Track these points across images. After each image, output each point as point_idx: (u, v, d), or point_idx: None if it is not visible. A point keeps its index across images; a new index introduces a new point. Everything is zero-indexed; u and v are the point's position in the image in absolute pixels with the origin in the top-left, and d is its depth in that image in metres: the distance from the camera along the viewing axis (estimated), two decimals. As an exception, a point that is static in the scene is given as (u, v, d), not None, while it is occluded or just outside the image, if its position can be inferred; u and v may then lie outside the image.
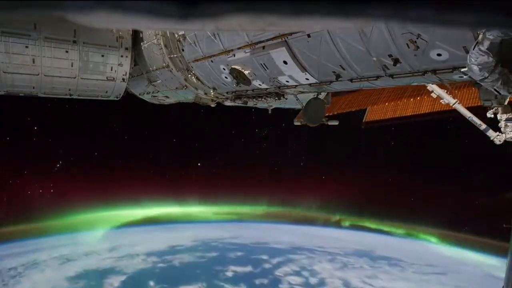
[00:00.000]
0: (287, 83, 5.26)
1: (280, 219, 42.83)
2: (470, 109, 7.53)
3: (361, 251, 34.88)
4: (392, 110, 11.07)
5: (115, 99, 8.46)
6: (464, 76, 3.21)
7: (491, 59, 2.63)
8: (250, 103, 7.27)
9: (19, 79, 6.78)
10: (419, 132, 32.83)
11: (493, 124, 6.86)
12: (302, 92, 5.96)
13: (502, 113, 6.41)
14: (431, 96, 7.45)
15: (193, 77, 6.91)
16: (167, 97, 9.18)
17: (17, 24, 6.27)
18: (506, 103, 5.96)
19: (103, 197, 39.07)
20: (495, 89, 2.92)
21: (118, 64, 7.58)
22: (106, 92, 8.03)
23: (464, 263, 31.02)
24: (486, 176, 30.57)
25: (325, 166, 41.29)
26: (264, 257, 33.10)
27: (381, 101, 11.08)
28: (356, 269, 30.91)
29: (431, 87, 7.25)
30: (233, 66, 5.50)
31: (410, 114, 10.55)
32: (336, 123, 7.93)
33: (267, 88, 5.84)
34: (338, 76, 4.36)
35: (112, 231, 38.80)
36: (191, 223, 42.00)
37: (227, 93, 7.01)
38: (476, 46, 2.62)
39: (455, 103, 7.35)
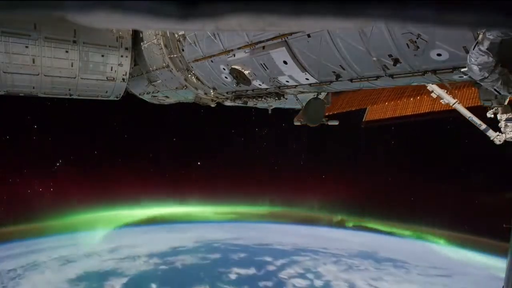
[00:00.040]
0: (287, 83, 5.26)
1: (281, 219, 42.62)
2: (470, 109, 7.52)
3: (366, 252, 34.46)
4: (392, 109, 11.07)
5: (115, 99, 8.46)
6: (464, 76, 3.21)
7: (491, 59, 2.63)
8: (250, 103, 7.28)
9: (19, 79, 6.78)
10: (419, 132, 32.84)
11: (493, 124, 6.86)
12: (302, 92, 5.96)
13: (502, 113, 6.41)
14: (431, 96, 7.45)
15: (193, 77, 6.91)
16: (167, 97, 9.18)
17: (17, 24, 6.27)
18: (506, 103, 5.97)
19: (103, 197, 39.05)
20: (495, 89, 2.92)
21: (118, 64, 7.59)
22: (106, 92, 8.03)
23: (470, 265, 30.64)
24: (486, 176, 30.57)
25: (325, 165, 41.30)
26: (268, 258, 32.65)
27: (381, 100, 11.08)
28: (361, 271, 30.47)
29: (431, 87, 7.25)
30: (233, 66, 5.50)
31: (410, 113, 10.55)
32: (336, 123, 7.93)
33: (267, 88, 5.84)
34: (338, 76, 4.37)
35: (113, 231, 38.47)
36: (191, 223, 41.63)
37: (227, 93, 7.01)
38: (476, 46, 2.62)
39: (455, 103, 7.35)
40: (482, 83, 2.91)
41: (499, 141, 6.96)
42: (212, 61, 5.88)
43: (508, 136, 6.76)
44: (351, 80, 4.33)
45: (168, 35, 6.62)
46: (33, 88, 7.15)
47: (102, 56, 7.34)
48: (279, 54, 4.59)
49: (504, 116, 6.45)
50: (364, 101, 11.35)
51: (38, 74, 6.87)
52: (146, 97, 9.72)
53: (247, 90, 6.35)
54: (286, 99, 6.71)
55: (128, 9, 0.61)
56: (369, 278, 28.94)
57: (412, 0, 0.61)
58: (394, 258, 33.02)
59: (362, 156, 41.52)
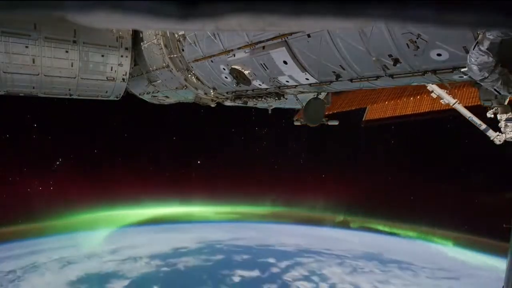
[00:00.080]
0: (287, 83, 5.26)
1: (283, 219, 42.41)
2: (470, 108, 7.52)
3: (370, 254, 33.89)
4: (392, 109, 11.08)
5: (115, 99, 8.46)
6: (464, 76, 3.21)
7: (491, 59, 2.63)
8: (250, 103, 7.28)
9: (19, 79, 6.78)
10: (419, 131, 32.83)
11: (493, 124, 6.86)
12: (302, 92, 5.96)
13: (502, 113, 6.41)
14: (431, 96, 7.46)
15: (193, 77, 6.91)
16: (167, 97, 9.18)
17: (17, 24, 6.27)
18: (506, 103, 5.97)
19: (103, 197, 39.02)
20: (495, 89, 2.92)
21: (118, 64, 7.59)
22: (106, 92, 8.03)
23: (476, 267, 30.09)
24: (486, 176, 30.55)
25: (325, 165, 41.29)
26: (271, 260, 32.10)
27: (381, 100, 11.08)
28: (366, 274, 29.86)
29: (431, 87, 7.25)
30: (233, 66, 5.50)
31: (410, 113, 10.55)
32: (336, 123, 7.93)
33: (267, 88, 5.84)
34: (338, 76, 4.37)
35: (113, 232, 38.12)
36: (192, 223, 41.24)
37: (227, 93, 7.02)
38: (476, 46, 2.62)
39: (455, 103, 7.35)
40: (482, 83, 2.91)
41: (499, 141, 6.96)
42: (212, 61, 5.88)
43: (508, 136, 6.76)
44: (351, 80, 4.33)
45: (168, 35, 6.62)
46: (33, 88, 7.15)
47: (102, 56, 7.34)
48: (279, 54, 4.59)
49: (504, 116, 6.44)
50: (364, 100, 11.35)
51: (38, 74, 6.87)
52: (146, 97, 9.72)
53: (247, 90, 6.35)
54: (286, 99, 6.71)
55: (128, 9, 0.61)
56: (375, 281, 28.28)
57: (412, 0, 0.61)
58: (399, 259, 32.37)
59: (362, 156, 41.52)
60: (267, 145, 44.23)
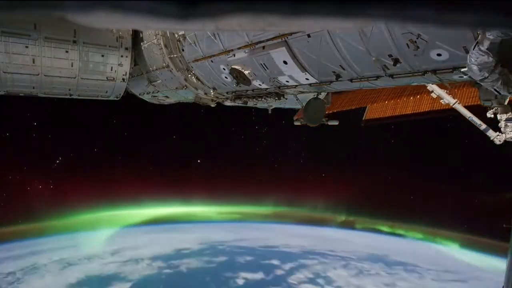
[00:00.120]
0: (287, 83, 5.26)
1: (284, 219, 42.13)
2: (470, 108, 7.52)
3: (375, 255, 33.35)
4: (392, 108, 11.07)
5: (115, 99, 8.46)
6: (464, 76, 3.21)
7: (491, 59, 2.63)
8: (250, 103, 7.28)
9: (19, 79, 6.78)
10: (419, 131, 32.81)
11: (493, 124, 6.86)
12: (302, 92, 5.96)
13: (502, 113, 6.41)
14: (431, 96, 7.46)
15: (193, 77, 6.91)
16: (167, 97, 9.18)
17: (17, 24, 6.27)
18: (506, 103, 5.97)
19: (104, 197, 38.99)
20: (495, 89, 2.92)
21: (118, 64, 7.59)
22: (106, 92, 8.03)
23: (483, 269, 29.35)
24: (486, 176, 30.53)
25: (325, 164, 41.29)
26: (275, 262, 31.48)
27: (381, 99, 11.08)
28: (372, 276, 29.26)
29: (431, 87, 7.25)
30: (233, 66, 5.50)
31: (410, 112, 10.55)
32: (336, 123, 7.93)
33: (267, 88, 5.84)
34: (338, 76, 4.37)
35: (114, 232, 37.76)
36: (194, 223, 40.87)
37: (227, 93, 7.01)
38: (476, 46, 2.62)
39: (455, 103, 7.35)
40: (482, 83, 2.91)
41: (499, 141, 6.96)
42: (212, 61, 5.88)
43: (508, 136, 6.76)
44: (351, 80, 4.33)
45: (168, 35, 6.62)
46: (33, 88, 7.15)
47: (102, 56, 7.34)
48: (279, 54, 4.59)
49: (504, 116, 6.44)
50: (364, 99, 11.35)
51: (38, 74, 6.87)
52: (146, 97, 9.72)
53: (247, 90, 6.35)
54: (286, 99, 6.71)
55: (128, 9, 0.61)
56: (382, 284, 27.70)
57: (412, 0, 0.61)
58: (404, 261, 31.83)
59: (362, 155, 41.51)
60: (267, 144, 44.24)
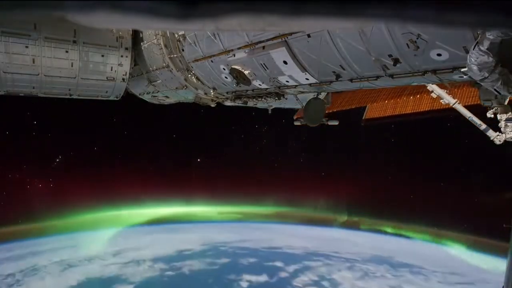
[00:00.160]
0: (287, 83, 5.26)
1: (286, 219, 41.88)
2: (470, 107, 7.52)
3: (380, 257, 32.76)
4: (392, 107, 11.08)
5: (115, 99, 8.46)
6: (464, 76, 3.21)
7: (491, 59, 2.63)
8: (250, 103, 7.28)
9: (19, 79, 6.78)
10: (419, 130, 32.79)
11: (493, 124, 6.86)
12: (302, 92, 5.96)
13: (502, 113, 6.41)
14: (431, 96, 7.46)
15: (193, 77, 6.91)
16: (167, 97, 9.18)
17: (17, 24, 6.27)
18: (506, 103, 5.97)
19: (104, 197, 38.97)
20: (495, 89, 2.92)
21: (118, 64, 7.59)
22: (106, 92, 8.03)
23: (489, 271, 28.43)
24: (486, 176, 30.51)
25: (324, 164, 41.28)
26: (279, 264, 30.86)
27: (381, 98, 11.08)
28: (378, 278, 28.65)
29: (431, 87, 7.26)
30: (233, 66, 5.50)
31: (410, 111, 10.55)
32: (336, 123, 7.92)
33: (267, 88, 5.84)
34: (338, 76, 4.37)
35: (115, 232, 37.46)
36: (195, 223, 40.51)
37: (227, 93, 7.02)
38: (476, 46, 2.62)
39: (455, 103, 7.35)
40: (482, 83, 2.91)
41: (499, 141, 6.96)
42: (212, 61, 5.88)
43: (508, 136, 6.76)
44: (351, 80, 4.33)
45: (168, 35, 6.62)
46: (33, 88, 7.15)
47: (102, 56, 7.34)
48: (279, 54, 4.59)
49: (504, 116, 6.44)
50: (364, 99, 11.35)
51: (38, 74, 6.87)
52: (146, 97, 9.72)
53: (247, 90, 6.35)
54: (286, 99, 6.71)
55: (128, 9, 0.61)
56: (388, 287, 27.19)
57: (412, 0, 0.61)
58: (409, 263, 31.30)
59: (362, 154, 41.47)
60: (267, 144, 44.21)
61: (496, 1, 0.61)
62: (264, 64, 5.01)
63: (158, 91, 8.81)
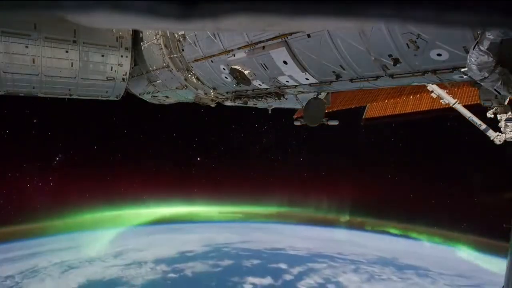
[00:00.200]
0: (287, 83, 5.26)
1: (287, 219, 41.69)
2: (470, 107, 7.52)
3: (385, 258, 32.29)
4: (392, 107, 11.07)
5: (115, 99, 8.46)
6: (464, 76, 3.21)
7: (491, 59, 2.63)
8: (250, 103, 7.27)
9: (19, 79, 6.78)
10: (419, 129, 32.79)
11: (493, 124, 6.86)
12: (302, 92, 5.96)
13: (502, 113, 6.41)
14: (431, 96, 7.46)
15: (193, 77, 6.91)
16: (167, 97, 9.17)
17: (17, 24, 6.27)
18: (506, 103, 5.97)
19: (105, 197, 38.93)
20: (495, 89, 2.92)
21: (118, 64, 7.58)
22: (106, 92, 8.03)
23: (498, 273, 27.30)
24: (486, 176, 30.48)
25: (324, 163, 41.25)
26: (283, 266, 30.38)
27: (381, 98, 11.08)
28: (384, 281, 28.15)
29: (431, 87, 7.26)
30: (233, 66, 5.50)
31: (410, 111, 10.55)
32: (336, 123, 7.91)
33: (267, 88, 5.84)
34: (338, 76, 4.36)
35: (116, 232, 37.12)
36: (196, 223, 40.20)
37: (227, 93, 7.01)
38: (476, 46, 2.62)
39: (455, 103, 7.35)
40: (482, 83, 2.91)
41: (499, 141, 6.96)
42: (212, 61, 5.88)
43: (508, 136, 6.76)
44: (351, 80, 4.33)
45: (168, 35, 6.61)
46: (33, 88, 7.15)
47: (102, 56, 7.34)
48: (279, 54, 4.59)
49: (504, 116, 6.44)
50: (364, 98, 11.34)
51: (38, 74, 6.86)
52: (146, 97, 9.71)
53: (247, 90, 6.35)
54: (286, 99, 6.71)
55: (128, 9, 0.61)
56: None
57: (412, 0, 0.61)
58: (415, 264, 30.85)
59: (362, 154, 41.43)
60: (267, 143, 44.19)
61: (496, 1, 0.61)
62: (264, 64, 5.01)
63: (158, 91, 8.80)
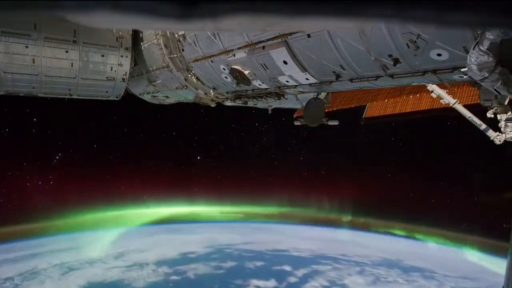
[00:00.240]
0: (287, 83, 5.26)
1: (288, 219, 41.48)
2: (470, 106, 7.52)
3: (389, 260, 31.74)
4: (392, 106, 11.07)
5: (115, 99, 8.46)
6: (464, 76, 3.21)
7: (491, 59, 2.63)
8: (250, 103, 7.28)
9: (19, 79, 6.78)
10: (419, 129, 32.78)
11: (493, 124, 6.86)
12: (302, 92, 5.96)
13: (502, 113, 6.41)
14: (431, 96, 7.46)
15: (193, 77, 6.91)
16: (167, 97, 9.17)
17: (17, 24, 6.27)
18: (506, 103, 5.97)
19: (106, 197, 38.88)
20: (495, 89, 2.92)
21: (118, 64, 7.58)
22: (106, 92, 8.03)
23: (502, 275, 27.54)
24: (486, 176, 30.47)
25: (324, 163, 41.23)
26: (287, 268, 29.72)
27: (380, 97, 11.08)
28: (390, 284, 27.60)
29: (431, 87, 7.26)
30: (233, 66, 5.50)
31: (410, 110, 10.54)
32: (336, 123, 7.91)
33: (267, 88, 5.84)
34: (338, 76, 4.36)
35: (116, 233, 36.73)
36: (197, 223, 39.78)
37: (227, 93, 7.02)
38: (476, 46, 2.62)
39: (455, 103, 7.35)
40: (482, 83, 2.91)
41: (499, 141, 6.96)
42: (212, 61, 5.88)
43: (508, 136, 6.76)
44: (351, 80, 4.33)
45: (168, 35, 6.61)
46: (33, 88, 7.15)
47: (102, 56, 7.34)
48: (279, 54, 4.59)
49: (504, 116, 6.44)
50: (364, 98, 11.34)
51: (38, 74, 6.87)
52: (146, 97, 9.71)
53: (247, 90, 6.35)
54: (286, 99, 6.71)
55: (128, 9, 0.61)
56: None
57: (412, 0, 0.61)
58: (420, 266, 30.30)
59: (362, 153, 41.39)
60: (267, 142, 44.17)
61: (496, 1, 0.61)
62: (264, 64, 5.01)
63: (158, 91, 8.80)
